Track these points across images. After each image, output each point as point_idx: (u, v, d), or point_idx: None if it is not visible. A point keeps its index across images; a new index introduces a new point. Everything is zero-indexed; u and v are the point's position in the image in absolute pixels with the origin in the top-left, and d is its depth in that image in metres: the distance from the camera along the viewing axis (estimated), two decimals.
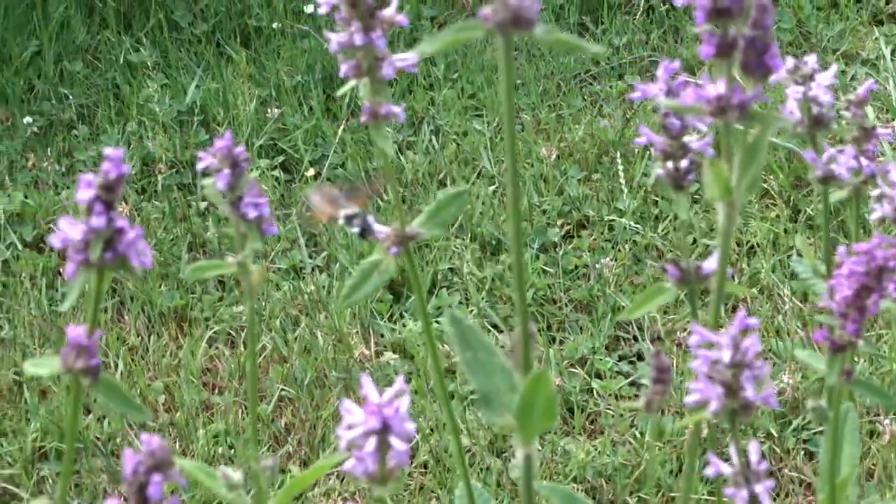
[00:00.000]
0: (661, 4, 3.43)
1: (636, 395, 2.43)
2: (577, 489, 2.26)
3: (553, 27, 0.86)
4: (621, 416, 2.38)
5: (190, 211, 2.87)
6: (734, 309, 2.53)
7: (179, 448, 2.37)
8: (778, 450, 2.31)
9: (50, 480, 2.31)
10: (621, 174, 2.87)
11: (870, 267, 1.10)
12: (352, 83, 1.25)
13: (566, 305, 2.62)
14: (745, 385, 1.06)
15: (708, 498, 2.21)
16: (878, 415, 2.35)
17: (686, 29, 3.35)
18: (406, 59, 1.23)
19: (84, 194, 1.01)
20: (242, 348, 2.54)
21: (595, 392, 2.44)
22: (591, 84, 3.25)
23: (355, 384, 2.44)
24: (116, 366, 2.51)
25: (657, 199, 2.84)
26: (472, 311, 2.59)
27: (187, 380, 2.46)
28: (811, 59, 1.27)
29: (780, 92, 1.57)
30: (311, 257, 2.74)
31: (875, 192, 1.36)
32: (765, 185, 2.85)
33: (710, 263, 1.21)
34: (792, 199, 2.82)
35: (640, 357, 2.52)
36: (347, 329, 2.56)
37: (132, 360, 2.53)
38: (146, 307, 2.63)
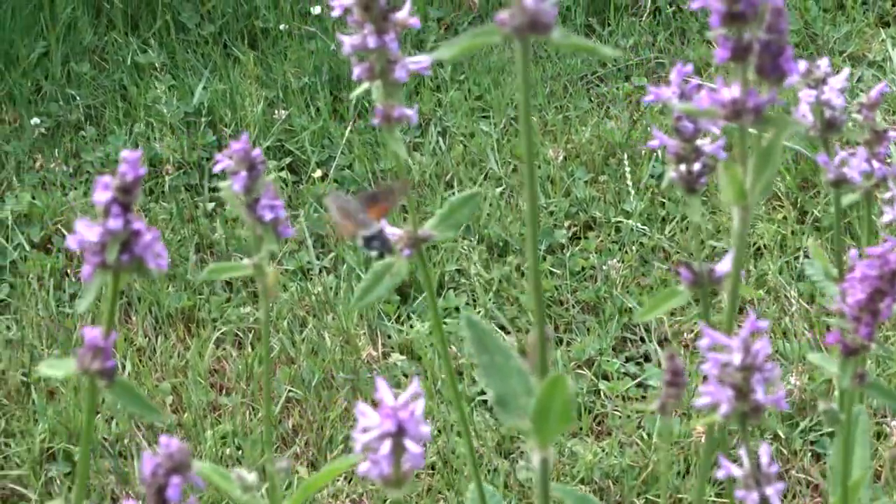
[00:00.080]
0: (668, 6, 3.43)
1: (643, 397, 2.43)
2: (585, 491, 2.26)
3: (569, 32, 0.86)
4: (628, 417, 2.38)
5: (197, 212, 2.87)
6: (741, 311, 2.53)
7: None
8: (785, 451, 2.31)
9: (58, 481, 2.31)
10: (628, 176, 2.87)
11: (883, 271, 1.10)
12: (364, 86, 1.25)
13: (573, 307, 2.62)
14: (756, 388, 1.07)
15: (715, 500, 2.21)
16: (885, 416, 2.35)
17: (692, 31, 3.35)
18: (419, 61, 1.24)
19: (101, 196, 1.01)
20: (250, 349, 2.55)
21: (602, 393, 2.44)
22: (597, 86, 3.25)
23: (363, 385, 2.44)
24: (124, 367, 2.51)
25: (664, 200, 2.84)
26: (479, 312, 2.59)
27: (195, 381, 2.47)
28: (823, 63, 1.27)
29: (788, 94, 1.57)
30: (318, 258, 2.75)
31: (886, 195, 1.36)
32: (772, 187, 2.85)
33: (723, 266, 1.21)
34: (799, 200, 2.83)
35: (647, 358, 2.52)
36: (355, 330, 2.56)
37: (140, 360, 2.53)
38: (154, 308, 2.63)
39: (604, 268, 2.68)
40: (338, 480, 2.28)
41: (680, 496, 2.24)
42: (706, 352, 1.06)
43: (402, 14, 1.23)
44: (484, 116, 3.13)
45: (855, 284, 1.13)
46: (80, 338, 2.53)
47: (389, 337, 2.56)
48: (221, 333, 2.58)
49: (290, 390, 2.46)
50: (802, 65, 1.28)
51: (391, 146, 1.24)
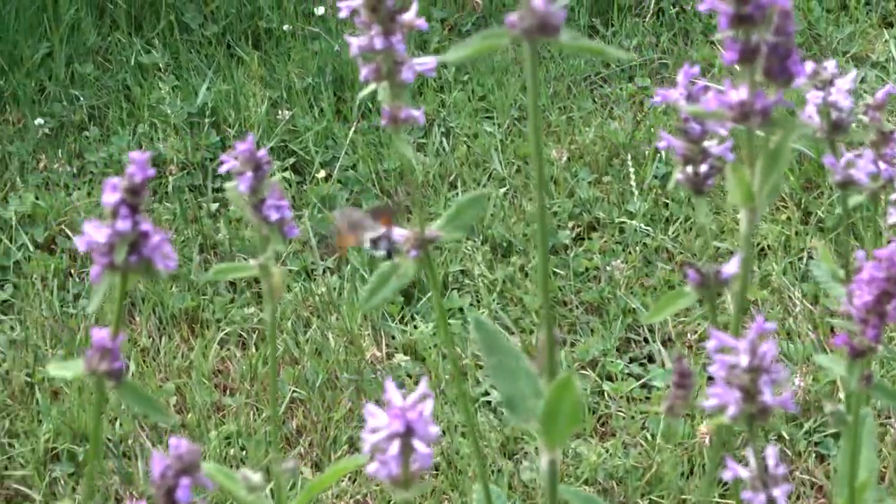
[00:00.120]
0: (671, 7, 3.43)
1: (647, 398, 2.43)
2: (589, 492, 2.26)
3: (578, 34, 0.86)
4: (632, 418, 2.38)
5: (201, 212, 2.87)
6: (744, 311, 2.53)
7: None
8: (789, 452, 2.31)
9: (62, 482, 2.31)
10: (632, 176, 2.87)
11: (890, 273, 1.10)
12: (371, 87, 1.25)
13: (577, 307, 2.62)
14: (763, 389, 1.07)
15: (720, 501, 2.21)
16: (889, 418, 2.35)
17: (696, 31, 3.35)
18: (426, 63, 1.23)
19: (109, 198, 1.01)
20: (254, 350, 2.55)
21: (606, 394, 2.44)
22: (601, 86, 3.25)
23: (367, 386, 2.44)
24: (128, 367, 2.51)
25: (668, 201, 2.84)
26: (483, 313, 2.59)
27: (199, 381, 2.47)
28: (831, 65, 1.27)
29: (793, 95, 1.57)
30: (322, 259, 2.75)
31: (893, 197, 1.36)
32: None
33: (730, 267, 1.21)
34: (803, 201, 2.83)
35: (650, 359, 2.52)
36: (359, 331, 2.56)
37: (143, 361, 2.53)
38: (157, 308, 2.64)
39: (607, 268, 2.68)
40: (342, 481, 2.29)
41: (684, 497, 2.24)
42: (714, 354, 1.06)
43: (409, 15, 1.23)
44: (487, 117, 3.13)
45: (862, 286, 1.12)
46: (84, 338, 2.54)
47: (393, 338, 2.56)
48: (225, 334, 2.58)
49: (293, 391, 2.46)
50: (809, 66, 1.28)
51: (398, 147, 1.24)
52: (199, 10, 3.46)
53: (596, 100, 3.20)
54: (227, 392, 2.49)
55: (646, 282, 2.67)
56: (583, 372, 2.48)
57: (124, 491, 2.29)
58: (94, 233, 1.03)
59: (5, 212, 2.86)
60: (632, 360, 2.52)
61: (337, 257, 2.74)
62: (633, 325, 2.58)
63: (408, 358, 2.51)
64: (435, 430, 0.99)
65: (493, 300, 2.62)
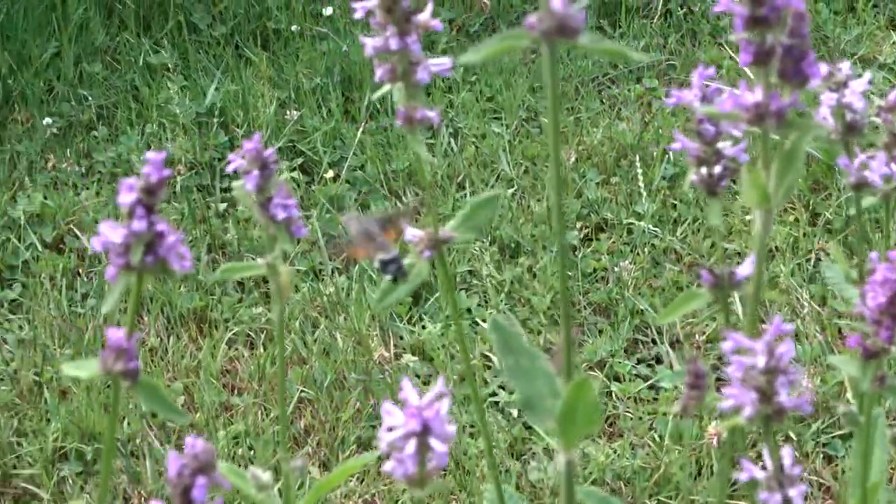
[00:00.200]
0: (679, 8, 3.43)
1: (655, 399, 2.44)
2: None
3: (599, 36, 0.86)
4: (640, 419, 2.39)
5: (209, 212, 2.87)
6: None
7: None
8: (797, 453, 2.31)
9: (70, 481, 2.32)
10: (640, 177, 2.87)
11: None
12: (386, 87, 1.25)
13: (585, 308, 2.63)
14: (780, 390, 1.07)
15: (728, 502, 2.21)
16: None
17: (703, 33, 3.35)
18: (441, 63, 1.24)
19: (126, 198, 1.02)
20: (262, 350, 2.55)
21: (614, 395, 2.44)
22: (609, 87, 3.25)
23: (375, 386, 2.45)
24: None
25: (676, 202, 2.84)
26: (491, 313, 2.59)
27: (207, 381, 2.47)
28: (845, 66, 1.28)
29: (808, 96, 1.57)
30: (330, 259, 2.75)
31: None
32: None
33: (744, 269, 1.21)
34: (811, 203, 2.83)
35: (658, 360, 2.52)
36: (367, 331, 2.56)
37: (152, 360, 2.54)
38: (166, 308, 2.64)
39: (615, 269, 2.68)
40: (350, 481, 2.29)
41: (693, 498, 2.25)
42: (730, 355, 1.06)
43: (424, 16, 1.23)
44: (495, 118, 3.13)
45: (876, 288, 1.13)
46: (93, 337, 2.54)
47: (401, 338, 2.56)
48: (233, 334, 2.58)
49: (302, 391, 2.46)
50: (824, 68, 1.28)
51: (413, 147, 1.25)
52: (208, 10, 3.46)
53: (604, 101, 3.20)
54: (236, 392, 2.49)
55: (654, 283, 2.67)
56: (591, 372, 2.48)
57: (132, 490, 2.29)
58: (110, 233, 1.03)
59: (14, 211, 2.86)
60: (640, 361, 2.52)
61: (345, 257, 2.75)
62: (640, 326, 2.58)
63: (416, 358, 2.51)
64: (451, 428, 0.99)
65: (501, 301, 2.62)
